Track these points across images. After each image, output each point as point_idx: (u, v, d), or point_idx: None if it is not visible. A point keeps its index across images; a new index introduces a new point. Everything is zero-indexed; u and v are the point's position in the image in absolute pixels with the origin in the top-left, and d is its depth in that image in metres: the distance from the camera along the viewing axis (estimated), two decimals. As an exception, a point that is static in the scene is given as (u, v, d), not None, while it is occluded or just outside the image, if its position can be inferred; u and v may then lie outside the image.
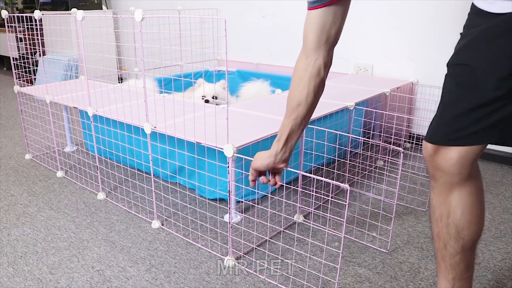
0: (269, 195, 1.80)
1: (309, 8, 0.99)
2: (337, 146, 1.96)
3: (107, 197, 1.84)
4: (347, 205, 1.06)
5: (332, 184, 1.13)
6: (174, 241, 1.51)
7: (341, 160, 2.09)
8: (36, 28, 2.05)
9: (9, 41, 2.32)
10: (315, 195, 1.79)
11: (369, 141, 2.30)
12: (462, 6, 2.15)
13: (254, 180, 1.17)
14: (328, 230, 1.56)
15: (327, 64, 1.04)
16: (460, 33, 0.91)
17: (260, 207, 1.73)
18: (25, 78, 3.79)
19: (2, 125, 2.92)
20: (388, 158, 2.19)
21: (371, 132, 2.35)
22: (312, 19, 1.00)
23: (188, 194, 1.84)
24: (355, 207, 1.73)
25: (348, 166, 2.04)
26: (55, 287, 1.28)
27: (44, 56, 3.67)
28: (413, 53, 2.37)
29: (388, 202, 1.77)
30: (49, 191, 1.91)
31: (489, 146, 2.24)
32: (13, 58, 2.24)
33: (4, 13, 2.06)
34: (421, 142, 2.43)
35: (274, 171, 1.15)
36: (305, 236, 1.52)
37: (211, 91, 2.28)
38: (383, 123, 2.35)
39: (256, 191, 1.74)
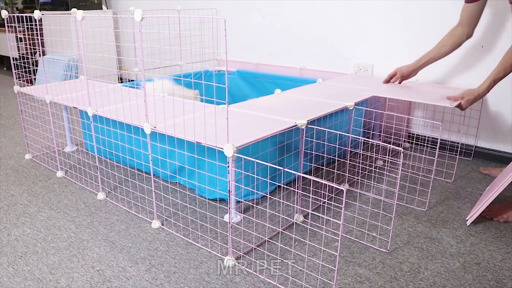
0: (268, 195, 1.80)
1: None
2: (337, 146, 1.97)
3: (107, 197, 1.84)
4: (344, 207, 1.06)
5: (330, 185, 1.13)
6: (174, 241, 1.51)
7: (341, 160, 2.09)
8: (36, 28, 2.05)
9: (9, 41, 2.32)
10: (314, 196, 1.79)
11: (369, 141, 2.29)
12: (461, 6, 2.15)
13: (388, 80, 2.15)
14: (326, 230, 1.56)
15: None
16: None
17: (259, 207, 1.73)
18: (25, 78, 3.79)
19: (2, 125, 2.92)
20: (388, 158, 2.19)
21: (371, 132, 2.35)
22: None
23: (188, 194, 1.84)
24: (355, 207, 1.73)
25: (348, 166, 2.04)
26: (55, 287, 1.28)
27: (44, 56, 3.67)
28: (413, 53, 2.37)
29: (388, 202, 1.78)
30: (49, 191, 1.91)
31: (489, 147, 2.24)
32: (13, 58, 2.24)
33: (4, 13, 2.06)
34: (421, 142, 2.44)
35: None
36: (305, 237, 1.52)
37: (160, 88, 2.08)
38: (383, 123, 2.35)
39: (255, 191, 1.74)
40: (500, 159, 2.22)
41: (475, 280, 1.29)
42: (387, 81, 2.14)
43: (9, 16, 2.10)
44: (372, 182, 1.95)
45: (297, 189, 1.70)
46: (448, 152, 2.31)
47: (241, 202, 1.74)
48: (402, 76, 2.07)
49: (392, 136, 2.40)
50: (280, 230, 1.56)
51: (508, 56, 1.70)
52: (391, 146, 1.44)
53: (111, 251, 1.45)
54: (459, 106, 1.80)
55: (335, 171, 1.98)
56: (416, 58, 2.07)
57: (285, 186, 1.87)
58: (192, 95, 2.27)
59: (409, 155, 2.28)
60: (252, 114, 1.71)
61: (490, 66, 2.02)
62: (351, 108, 1.84)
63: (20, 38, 3.84)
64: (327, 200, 1.78)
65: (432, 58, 1.99)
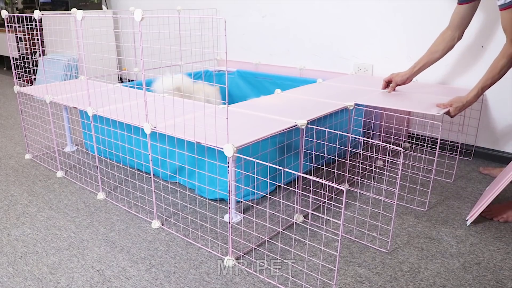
0: (268, 195, 1.80)
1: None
2: (337, 146, 1.97)
3: (107, 197, 1.84)
4: (344, 207, 1.07)
5: (330, 185, 1.13)
6: (174, 241, 1.51)
7: (341, 160, 2.09)
8: (36, 28, 2.05)
9: (9, 41, 2.32)
10: (314, 196, 1.79)
11: (369, 141, 2.30)
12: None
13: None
14: (326, 230, 1.56)
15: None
16: None
17: (259, 207, 1.73)
18: (25, 78, 3.79)
19: (2, 125, 2.92)
20: (388, 158, 2.19)
21: (371, 132, 2.35)
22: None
23: (188, 194, 1.84)
24: (355, 207, 1.73)
25: (348, 166, 2.04)
26: (55, 287, 1.28)
27: (44, 56, 3.67)
28: (413, 53, 2.37)
29: (388, 202, 1.78)
30: (49, 191, 1.91)
31: (489, 147, 2.24)
32: (13, 58, 2.24)
33: (4, 13, 2.06)
34: (421, 142, 2.44)
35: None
36: (305, 237, 1.52)
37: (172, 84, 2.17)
38: (383, 123, 2.35)
39: (255, 191, 1.74)
40: (500, 159, 2.22)
41: (475, 280, 1.29)
42: (384, 86, 2.16)
43: (9, 16, 2.10)
44: (372, 182, 1.95)
45: (297, 189, 1.70)
46: (448, 152, 2.31)
47: (241, 202, 1.74)
48: (397, 84, 2.09)
49: (392, 136, 2.41)
50: (280, 230, 1.56)
51: (495, 64, 1.71)
52: (391, 146, 1.44)
53: (111, 251, 1.45)
54: (448, 113, 1.81)
55: (335, 171, 1.98)
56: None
57: (285, 186, 1.87)
58: (214, 90, 2.41)
59: (409, 155, 2.28)
60: (252, 114, 1.71)
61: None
62: (351, 108, 1.84)
63: (20, 38, 3.84)
64: (327, 200, 1.78)
65: (426, 64, 2.00)
